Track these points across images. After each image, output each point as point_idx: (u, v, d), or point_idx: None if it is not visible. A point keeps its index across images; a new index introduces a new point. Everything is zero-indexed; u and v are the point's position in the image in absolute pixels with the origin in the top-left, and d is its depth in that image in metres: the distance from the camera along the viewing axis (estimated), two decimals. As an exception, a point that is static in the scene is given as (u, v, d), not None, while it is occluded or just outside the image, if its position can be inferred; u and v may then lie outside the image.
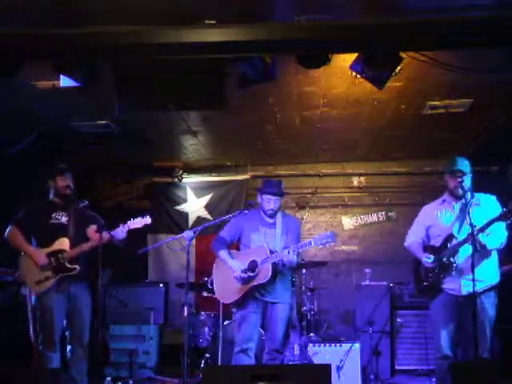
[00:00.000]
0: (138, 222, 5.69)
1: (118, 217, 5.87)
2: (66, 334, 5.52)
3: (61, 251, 5.47)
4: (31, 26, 4.50)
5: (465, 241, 4.83)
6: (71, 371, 5.44)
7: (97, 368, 5.88)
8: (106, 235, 5.47)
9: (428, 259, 5.05)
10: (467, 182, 5.01)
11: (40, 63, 4.82)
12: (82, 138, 7.59)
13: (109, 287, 7.90)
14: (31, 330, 5.88)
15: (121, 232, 5.58)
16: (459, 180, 4.98)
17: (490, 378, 3.72)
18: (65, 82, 4.72)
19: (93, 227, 5.63)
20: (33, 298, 5.53)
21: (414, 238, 5.40)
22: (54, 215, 5.60)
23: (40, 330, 5.42)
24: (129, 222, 5.67)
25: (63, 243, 5.51)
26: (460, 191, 4.97)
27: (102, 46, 4.44)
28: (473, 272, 4.60)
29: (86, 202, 5.63)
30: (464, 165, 5.06)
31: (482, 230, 4.73)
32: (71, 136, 7.50)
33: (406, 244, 5.45)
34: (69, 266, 5.45)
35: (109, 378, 6.93)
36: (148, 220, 5.76)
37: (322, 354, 6.75)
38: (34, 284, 5.42)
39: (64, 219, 5.62)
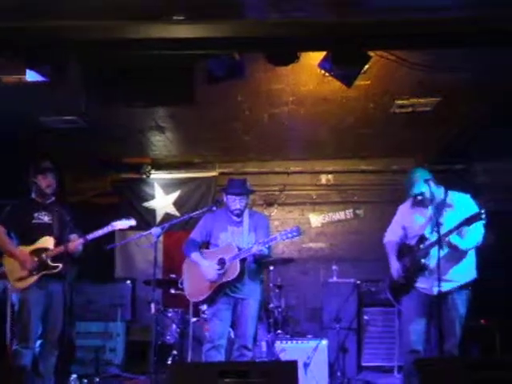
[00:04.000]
0: (122, 224, 5.79)
1: (85, 212, 5.82)
2: (38, 330, 5.47)
3: (44, 249, 5.46)
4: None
5: (435, 242, 4.84)
6: (39, 368, 5.41)
7: (63, 365, 5.83)
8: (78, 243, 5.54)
9: (396, 273, 5.16)
10: (428, 190, 4.96)
11: (5, 58, 4.75)
12: (50, 134, 7.51)
13: (75, 284, 7.82)
14: (8, 326, 5.85)
15: (96, 234, 5.61)
16: (419, 198, 5.03)
17: (456, 373, 3.76)
18: (31, 76, 4.66)
19: (74, 236, 5.62)
20: (14, 295, 5.53)
21: (392, 236, 5.45)
22: (36, 215, 5.56)
23: (16, 325, 5.40)
24: (114, 222, 5.73)
25: (47, 241, 5.51)
26: (425, 203, 5.03)
27: (69, 40, 4.39)
28: (438, 271, 4.65)
29: (53, 198, 5.61)
30: (421, 185, 5.00)
31: (450, 232, 4.76)
32: (38, 131, 7.41)
33: (384, 241, 5.51)
34: (51, 264, 5.44)
35: (75, 375, 6.86)
36: (133, 222, 5.87)
37: (289, 350, 6.77)
38: (15, 281, 5.39)
39: (47, 219, 5.59)
